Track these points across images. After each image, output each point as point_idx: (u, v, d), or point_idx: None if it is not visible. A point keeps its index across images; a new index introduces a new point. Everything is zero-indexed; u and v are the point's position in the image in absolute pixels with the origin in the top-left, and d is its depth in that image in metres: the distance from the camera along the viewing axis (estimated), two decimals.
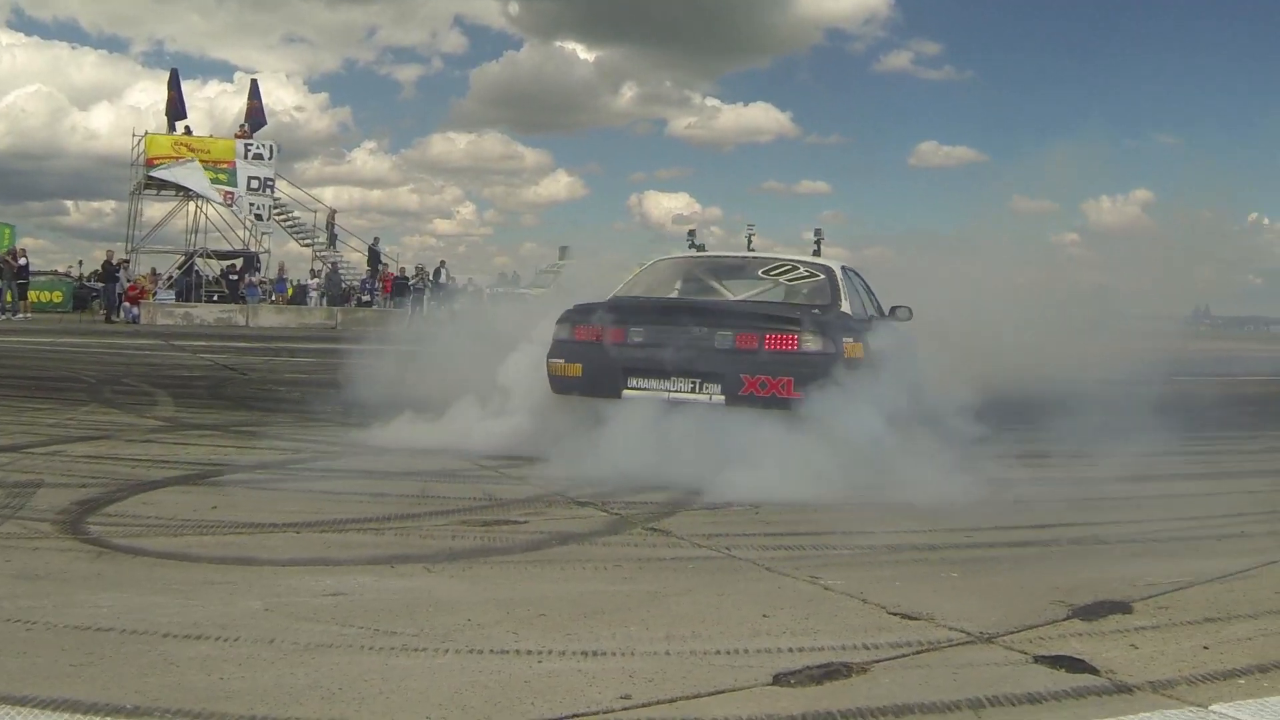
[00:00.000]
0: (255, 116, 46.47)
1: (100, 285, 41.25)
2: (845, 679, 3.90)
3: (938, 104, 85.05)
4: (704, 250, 20.93)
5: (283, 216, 46.47)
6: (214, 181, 44.01)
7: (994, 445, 9.03)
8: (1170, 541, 6.49)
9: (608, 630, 4.44)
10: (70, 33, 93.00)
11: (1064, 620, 4.67)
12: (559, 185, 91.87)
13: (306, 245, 47.05)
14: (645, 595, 5.03)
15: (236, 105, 65.96)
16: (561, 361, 9.07)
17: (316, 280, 44.93)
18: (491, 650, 4.05)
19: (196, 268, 45.65)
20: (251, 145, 44.81)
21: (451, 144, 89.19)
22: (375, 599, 4.78)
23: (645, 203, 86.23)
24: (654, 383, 8.59)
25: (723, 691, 3.74)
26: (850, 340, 8.78)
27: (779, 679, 3.86)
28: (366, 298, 44.97)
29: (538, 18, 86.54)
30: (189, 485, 7.59)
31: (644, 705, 3.56)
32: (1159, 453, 9.58)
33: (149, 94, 78.93)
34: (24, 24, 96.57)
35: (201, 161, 43.69)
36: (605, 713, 3.45)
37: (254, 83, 48.55)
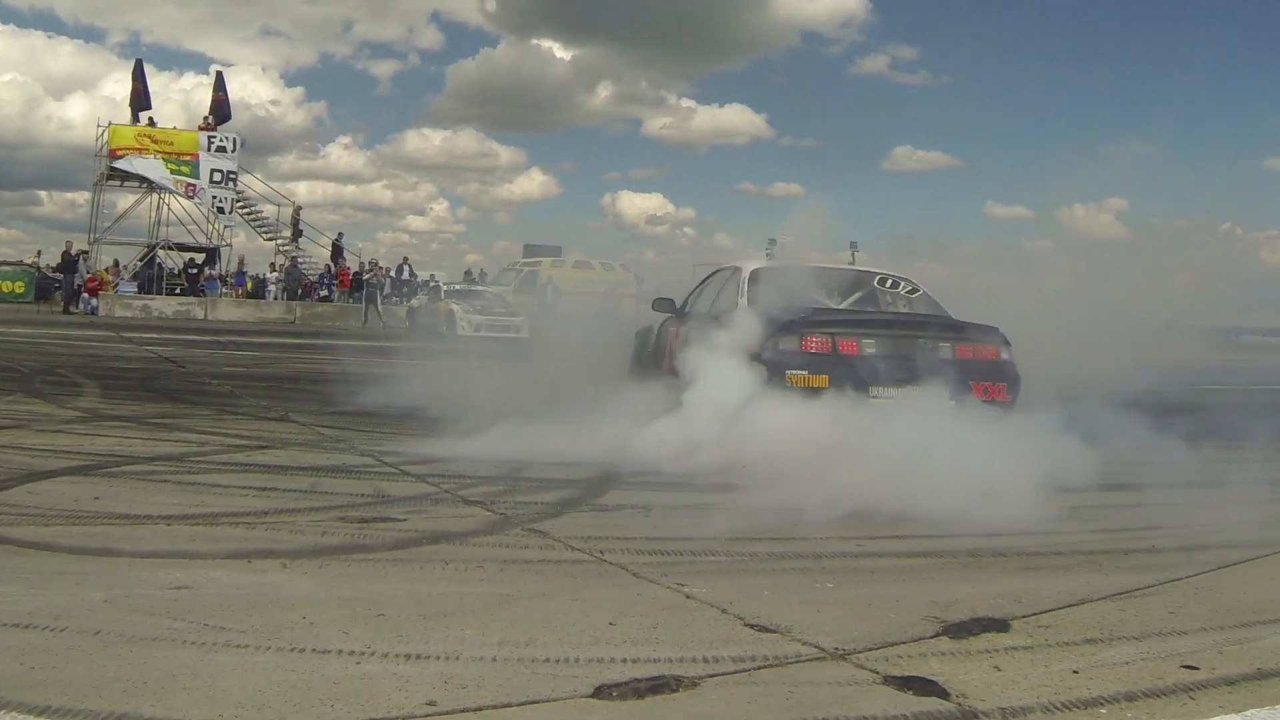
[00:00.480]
0: (220, 109, 46.06)
1: (59, 276, 40.84)
2: (671, 693, 3.69)
3: (913, 108, 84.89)
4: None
5: (246, 210, 46.08)
6: (175, 173, 43.54)
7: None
8: (1074, 556, 6.20)
9: (441, 633, 4.27)
10: (47, 22, 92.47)
11: (931, 638, 4.43)
12: (533, 183, 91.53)
13: (270, 239, 46.67)
14: (495, 598, 4.83)
15: (210, 97, 66.15)
16: (805, 373, 9.18)
17: (275, 275, 44.57)
18: (314, 649, 3.94)
19: (159, 260, 45.25)
20: (215, 138, 44.36)
21: (426, 140, 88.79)
22: (219, 594, 4.70)
23: (619, 202, 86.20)
24: (892, 390, 9.02)
25: (536, 702, 3.55)
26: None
27: (600, 691, 3.66)
28: (325, 293, 44.62)
29: (515, 15, 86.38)
30: (80, 476, 7.41)
31: (448, 713, 3.41)
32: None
33: (124, 85, 77.77)
34: (1, 12, 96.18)
35: (164, 153, 43.23)
36: (406, 718, 3.34)
37: (219, 75, 48.22)
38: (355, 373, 15.97)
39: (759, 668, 3.99)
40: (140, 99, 45.15)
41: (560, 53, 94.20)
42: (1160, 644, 4.47)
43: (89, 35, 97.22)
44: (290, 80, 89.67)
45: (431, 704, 3.44)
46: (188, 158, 43.54)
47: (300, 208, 47.80)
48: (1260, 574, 5.93)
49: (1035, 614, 4.85)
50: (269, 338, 28.77)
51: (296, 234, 46.31)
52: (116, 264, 44.53)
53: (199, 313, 39.95)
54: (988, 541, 6.37)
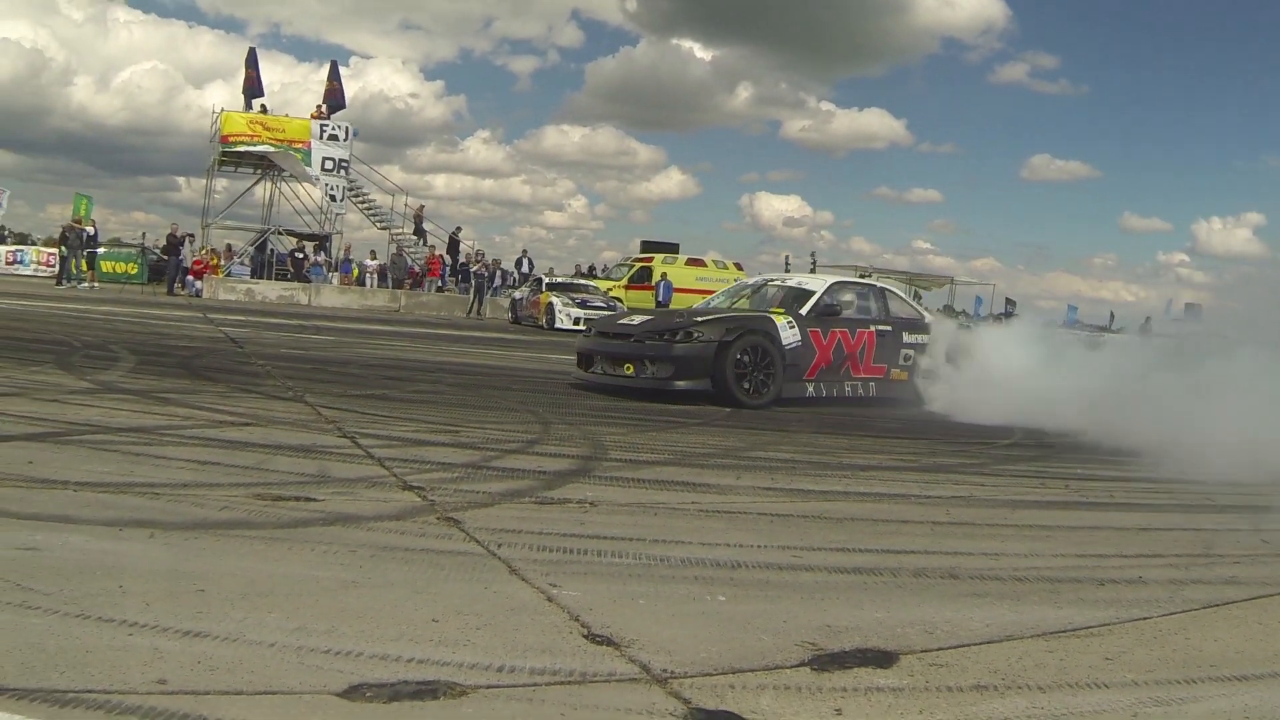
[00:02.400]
0: (333, 98, 46.53)
1: (165, 257, 41.55)
2: (426, 701, 3.30)
3: (1052, 117, 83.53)
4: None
5: (359, 198, 46.47)
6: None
7: None
8: (1036, 582, 5.56)
9: (244, 613, 3.97)
10: (188, 12, 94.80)
11: (791, 667, 3.92)
12: (671, 182, 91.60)
13: (384, 228, 47.03)
14: (338, 583, 4.47)
15: (350, 90, 67.38)
16: None
17: (376, 262, 44.88)
18: (100, 618, 3.78)
19: (271, 245, 45.88)
20: (327, 126, 44.80)
21: (565, 137, 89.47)
22: (57, 557, 4.52)
23: (756, 203, 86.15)
24: None
25: (273, 693, 3.25)
26: None
27: (353, 690, 3.29)
28: (440, 283, 44.87)
29: (655, 15, 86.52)
30: (34, 442, 7.24)
31: (171, 693, 3.18)
32: None
33: (264, 75, 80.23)
34: (142, 1, 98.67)
35: (275, 140, 43.78)
36: (126, 692, 3.14)
37: (334, 64, 48.78)
38: (414, 359, 15.79)
39: (553, 684, 3.57)
40: (253, 86, 45.81)
41: (700, 53, 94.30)
42: (1063, 699, 3.85)
43: (229, 26, 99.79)
44: (430, 74, 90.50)
45: (161, 682, 3.24)
46: (299, 145, 43.98)
47: (422, 206, 48.08)
48: (1248, 618, 5.21)
49: (939, 649, 4.29)
50: (356, 324, 28.79)
51: (420, 233, 46.52)
52: (229, 248, 45.24)
53: (303, 298, 40.28)
54: (946, 560, 5.88)
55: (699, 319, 13.64)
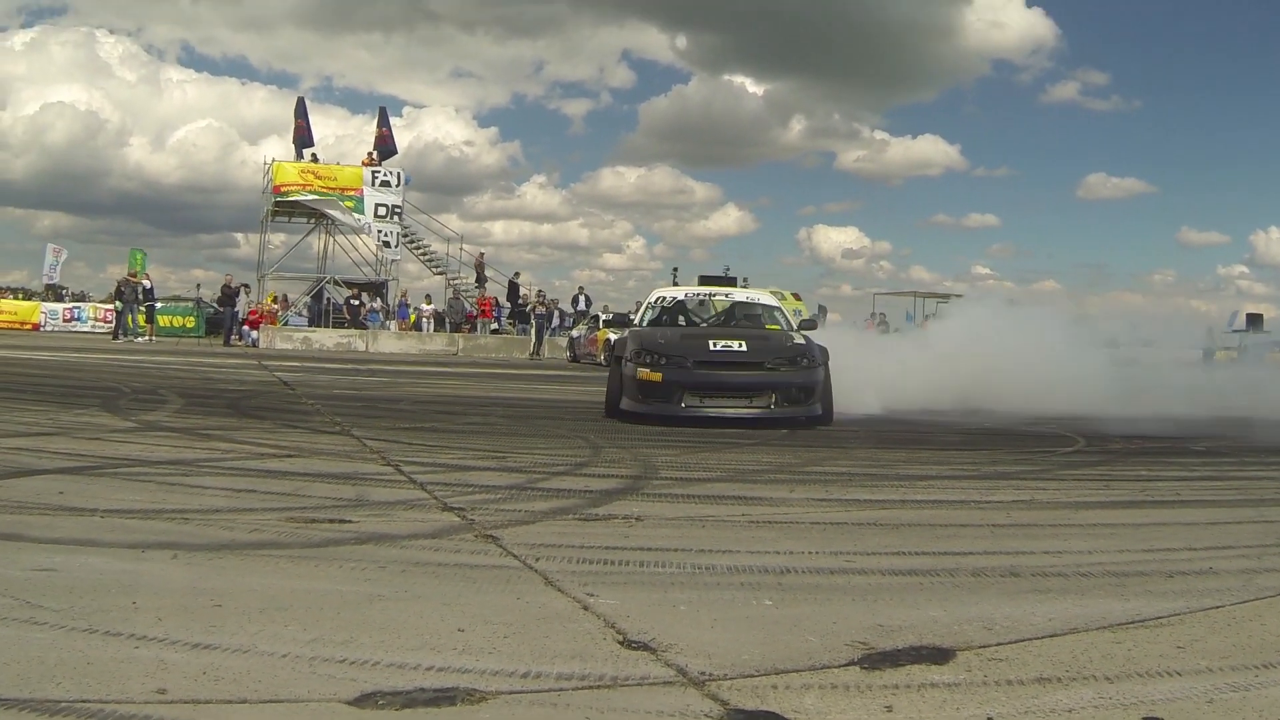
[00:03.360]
0: (384, 144, 46.69)
1: (220, 310, 41.81)
2: (443, 707, 3.07)
3: (1106, 135, 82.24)
4: None
5: (413, 244, 46.58)
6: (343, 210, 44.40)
7: None
8: (1101, 577, 5.24)
9: (260, 626, 3.79)
10: (240, 69, 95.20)
11: (840, 667, 3.64)
12: (729, 219, 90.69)
13: (440, 273, 47.10)
14: (362, 597, 4.27)
15: (404, 140, 67.65)
16: None
17: (432, 307, 44.90)
18: (107, 632, 3.62)
19: (327, 294, 46.05)
20: (379, 173, 44.95)
21: (621, 178, 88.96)
22: (74, 577, 4.39)
23: (814, 236, 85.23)
24: None
25: (278, 701, 3.07)
26: None
27: (365, 698, 3.07)
28: (496, 326, 44.84)
29: (705, 51, 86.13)
30: (68, 475, 7.16)
31: (170, 701, 2.99)
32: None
33: (318, 129, 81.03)
34: (194, 60, 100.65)
35: (328, 189, 43.97)
36: (123, 702, 2.97)
37: (382, 110, 48.95)
38: (467, 395, 15.67)
39: (580, 688, 3.33)
40: (304, 136, 46.10)
41: (752, 88, 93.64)
42: (1133, 688, 3.55)
43: (282, 81, 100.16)
44: (483, 121, 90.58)
45: (161, 691, 3.06)
46: (352, 193, 44.14)
47: (483, 253, 48.09)
48: None
49: (998, 644, 3.99)
50: (412, 366, 28.75)
51: (481, 280, 46.51)
52: (285, 298, 45.43)
53: (360, 345, 40.40)
54: (1006, 560, 5.59)
55: (792, 343, 13.35)
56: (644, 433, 11.64)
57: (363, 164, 45.51)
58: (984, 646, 3.97)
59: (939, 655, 3.85)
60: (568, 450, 9.65)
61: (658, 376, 12.50)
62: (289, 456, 8.65)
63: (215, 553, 5.01)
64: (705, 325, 14.88)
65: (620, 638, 3.89)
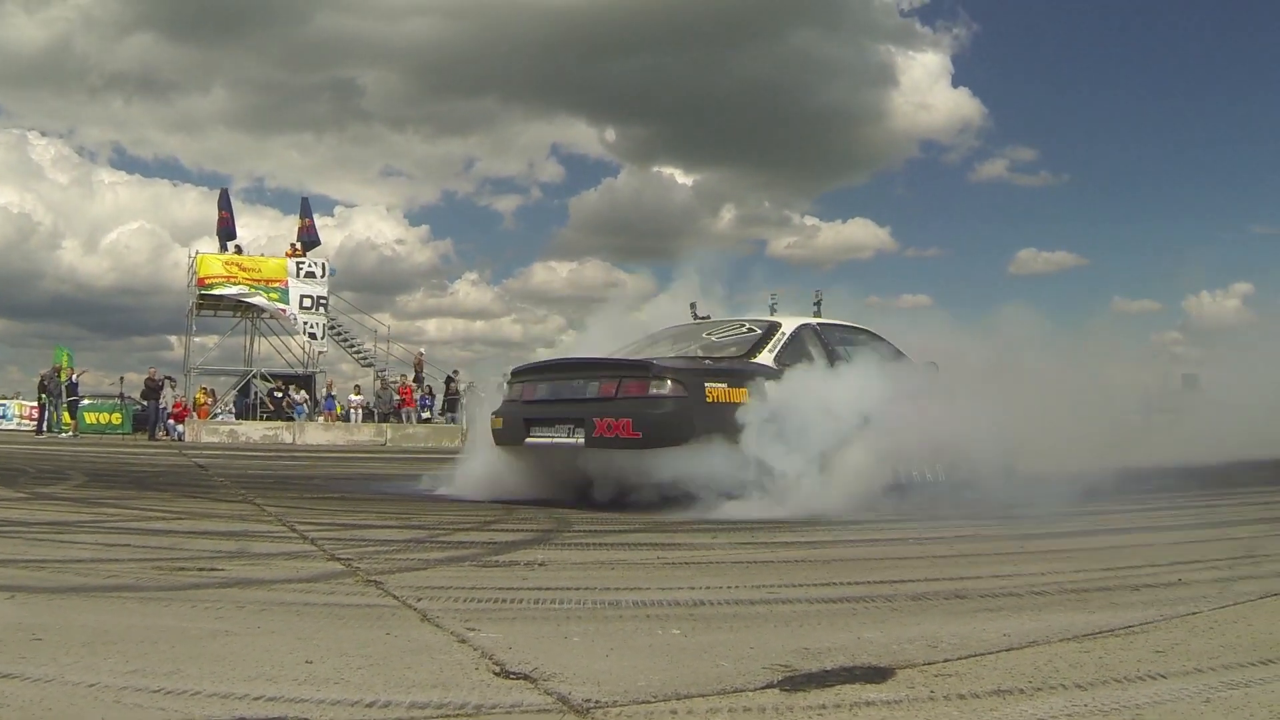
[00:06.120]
0: (307, 234, 46.19)
1: (145, 405, 40.90)
2: None
3: (1036, 210, 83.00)
4: None
5: (341, 337, 45.93)
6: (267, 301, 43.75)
7: None
8: (1058, 594, 4.86)
9: (71, 658, 3.29)
10: (171, 170, 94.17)
11: (755, 690, 3.12)
12: (660, 311, 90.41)
13: (368, 366, 46.37)
14: (204, 632, 3.71)
15: (336, 239, 66.40)
16: None
17: (360, 398, 44.16)
18: None
19: (254, 389, 45.21)
20: (304, 264, 44.37)
21: (553, 273, 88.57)
22: None
23: None
24: None
25: None
26: None
27: None
28: (427, 414, 44.14)
29: (634, 143, 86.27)
30: None
31: None
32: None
33: (250, 229, 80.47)
34: (125, 162, 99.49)
35: (252, 281, 43.33)
36: None
37: (304, 201, 48.34)
38: (385, 473, 15.21)
39: (436, 717, 2.83)
40: (227, 227, 45.40)
41: (682, 178, 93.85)
42: (1112, 693, 3.11)
43: (213, 181, 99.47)
44: (414, 219, 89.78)
45: None
46: (276, 284, 43.49)
47: (422, 353, 47.55)
48: None
49: (946, 661, 3.51)
50: (338, 454, 27.98)
51: (420, 380, 45.87)
52: (212, 393, 44.58)
53: (287, 437, 39.50)
54: (951, 585, 5.14)
55: None
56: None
57: (286, 255, 44.88)
58: (929, 664, 3.48)
59: (875, 674, 3.34)
60: (479, 511, 9.06)
61: None
62: (178, 518, 8.05)
63: (58, 594, 4.46)
64: None
65: (497, 668, 3.34)
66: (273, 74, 77.28)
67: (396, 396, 43.45)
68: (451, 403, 43.31)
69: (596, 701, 2.98)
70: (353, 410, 43.22)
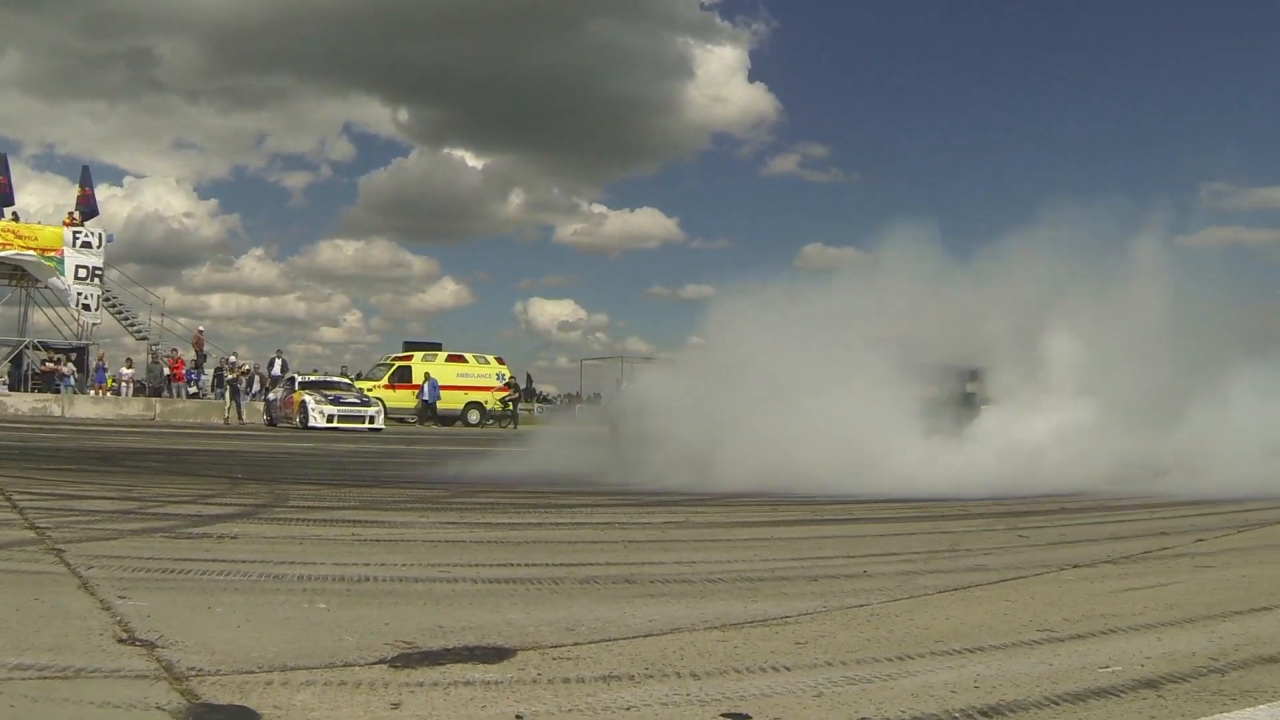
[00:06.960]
0: (86, 204, 44.72)
1: None
2: None
3: (824, 206, 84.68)
4: None
5: (115, 309, 44.61)
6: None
7: None
8: (733, 582, 5.01)
9: None
10: None
11: (365, 665, 3.25)
12: (445, 293, 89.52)
13: (142, 338, 45.11)
14: None
15: (125, 210, 64.18)
16: None
17: (131, 371, 43.03)
18: None
19: (27, 360, 43.63)
20: (80, 233, 42.95)
21: (339, 251, 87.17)
22: None
23: (531, 310, 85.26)
24: None
25: None
26: None
27: None
28: (194, 390, 43.14)
29: (426, 125, 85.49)
30: None
31: None
32: None
33: (38, 197, 77.27)
34: None
35: (28, 248, 41.83)
36: None
37: (85, 170, 46.61)
38: (138, 448, 14.94)
39: (34, 679, 2.91)
40: (4, 194, 43.77)
41: (472, 161, 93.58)
42: (720, 684, 3.21)
43: (2, 147, 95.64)
44: (204, 193, 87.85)
45: None
46: (52, 253, 42.06)
47: (202, 331, 46.28)
48: (992, 596, 4.75)
49: (575, 645, 3.64)
50: (104, 428, 27.19)
51: (201, 359, 44.70)
52: None
53: (56, 410, 38.23)
54: (628, 570, 5.29)
55: None
56: (295, 474, 11.11)
57: (64, 224, 43.43)
58: (556, 646, 3.60)
59: (495, 655, 3.46)
60: (204, 486, 9.01)
61: None
62: None
63: None
64: None
65: (125, 635, 3.42)
66: (71, 40, 74.55)
67: (166, 370, 42.40)
68: (219, 378, 42.42)
69: (200, 670, 3.05)
70: (124, 384, 42.03)
